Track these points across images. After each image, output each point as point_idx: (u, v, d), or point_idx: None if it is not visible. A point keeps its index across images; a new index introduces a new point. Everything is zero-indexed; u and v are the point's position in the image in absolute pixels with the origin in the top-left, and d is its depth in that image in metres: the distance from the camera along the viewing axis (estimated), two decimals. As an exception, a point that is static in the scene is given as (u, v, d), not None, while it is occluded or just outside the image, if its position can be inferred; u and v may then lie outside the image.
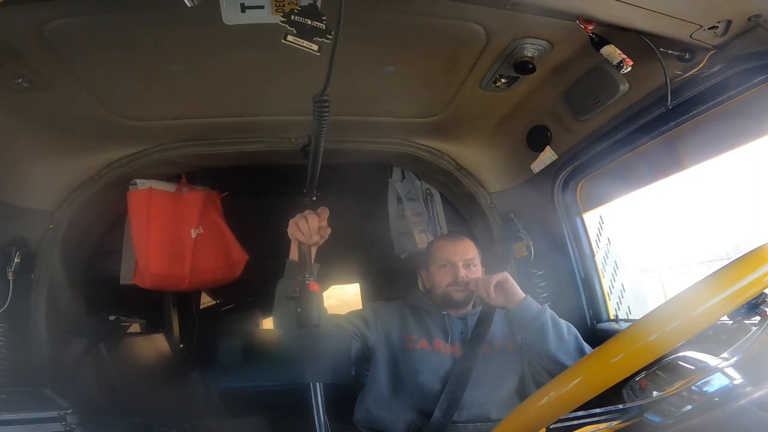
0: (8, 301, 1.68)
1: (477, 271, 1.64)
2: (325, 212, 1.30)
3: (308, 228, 1.28)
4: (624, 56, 1.16)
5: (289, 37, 0.96)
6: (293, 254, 1.36)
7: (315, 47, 0.96)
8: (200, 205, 2.16)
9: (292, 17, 0.95)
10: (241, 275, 2.29)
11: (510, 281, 1.51)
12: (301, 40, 0.96)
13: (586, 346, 1.49)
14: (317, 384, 1.22)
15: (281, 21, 0.96)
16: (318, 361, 1.36)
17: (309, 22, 0.95)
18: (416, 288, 1.75)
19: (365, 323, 1.61)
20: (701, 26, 1.09)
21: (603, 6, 1.09)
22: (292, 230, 1.30)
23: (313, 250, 1.35)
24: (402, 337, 1.60)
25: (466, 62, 1.41)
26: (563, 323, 1.50)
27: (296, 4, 0.99)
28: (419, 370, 1.52)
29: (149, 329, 2.49)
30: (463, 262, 1.62)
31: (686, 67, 1.23)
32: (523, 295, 1.51)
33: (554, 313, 1.52)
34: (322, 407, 1.21)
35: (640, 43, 1.17)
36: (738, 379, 0.76)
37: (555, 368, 1.44)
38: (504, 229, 2.07)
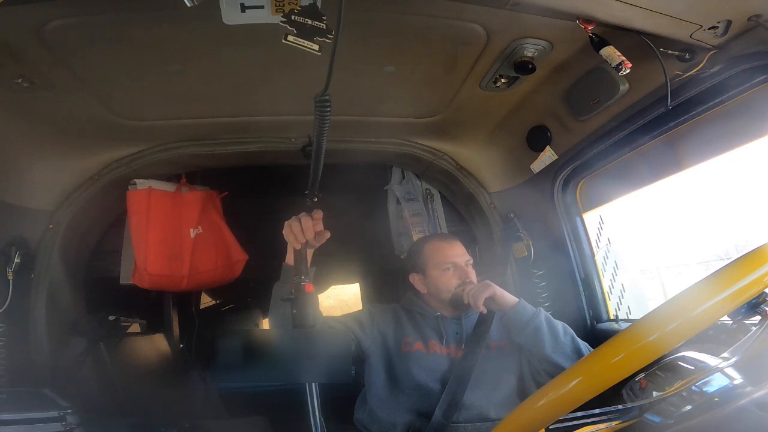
0: (8, 301, 1.68)
1: (473, 271, 1.64)
2: (319, 214, 1.30)
3: (302, 230, 1.28)
4: (623, 58, 1.16)
5: (290, 38, 0.96)
6: (289, 258, 1.37)
7: (316, 47, 0.96)
8: (199, 205, 2.16)
9: (293, 17, 0.95)
10: (240, 275, 2.29)
11: (497, 294, 1.49)
12: (302, 40, 0.96)
13: (584, 347, 1.49)
14: (313, 384, 1.22)
15: (281, 21, 0.96)
16: (318, 361, 1.36)
17: (309, 22, 0.95)
18: (409, 291, 1.73)
19: (360, 326, 1.60)
20: (701, 26, 1.09)
21: (603, 6, 1.09)
22: (286, 232, 1.31)
23: (310, 253, 1.35)
24: (398, 340, 1.59)
25: (466, 62, 1.41)
26: (559, 324, 1.50)
27: (296, 4, 0.99)
28: (416, 372, 1.52)
29: (149, 329, 2.49)
30: (464, 263, 1.62)
31: (686, 67, 1.23)
32: (515, 300, 1.50)
33: (549, 315, 1.51)
34: (318, 407, 1.21)
35: (640, 43, 1.17)
36: (738, 379, 0.76)
37: (552, 370, 1.44)
38: (504, 229, 2.07)
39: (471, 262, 1.64)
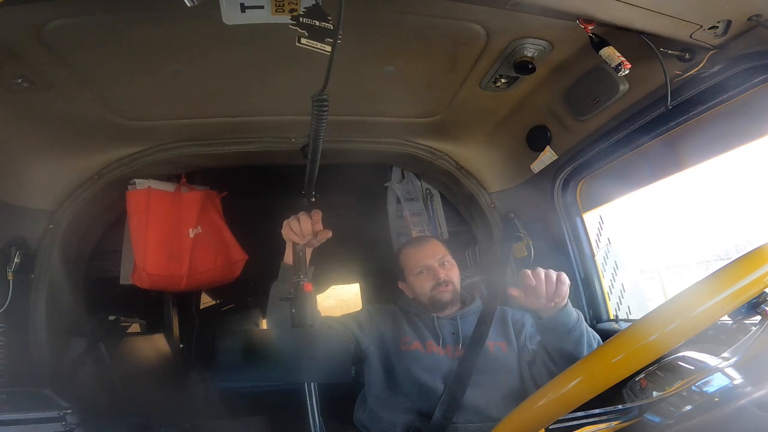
0: (8, 301, 1.68)
1: (452, 267, 1.64)
2: (317, 214, 1.31)
3: (300, 230, 1.28)
4: (622, 59, 1.16)
5: (303, 40, 0.96)
6: (288, 257, 1.37)
7: (328, 48, 0.96)
8: (199, 204, 2.16)
9: (301, 19, 0.95)
10: (240, 275, 2.29)
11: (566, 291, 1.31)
12: (315, 42, 0.96)
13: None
14: (312, 384, 1.23)
15: (291, 24, 0.96)
16: (318, 361, 1.36)
17: (317, 23, 0.95)
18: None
19: (359, 326, 1.61)
20: (701, 26, 1.09)
21: (603, 6, 1.09)
22: (285, 231, 1.32)
23: (308, 252, 1.35)
24: (396, 340, 1.60)
25: (466, 62, 1.41)
26: (589, 329, 1.39)
27: (296, 4, 0.99)
28: (414, 371, 1.52)
29: (149, 329, 2.49)
30: (437, 263, 1.62)
31: (686, 67, 1.23)
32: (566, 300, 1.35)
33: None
34: (317, 407, 1.21)
35: (640, 43, 1.17)
36: (738, 379, 0.76)
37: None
38: (504, 229, 2.07)
39: (446, 258, 1.64)
